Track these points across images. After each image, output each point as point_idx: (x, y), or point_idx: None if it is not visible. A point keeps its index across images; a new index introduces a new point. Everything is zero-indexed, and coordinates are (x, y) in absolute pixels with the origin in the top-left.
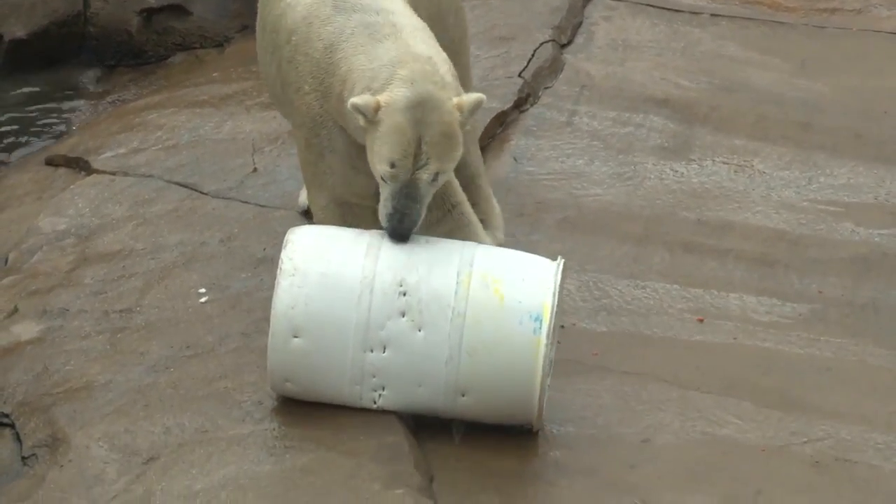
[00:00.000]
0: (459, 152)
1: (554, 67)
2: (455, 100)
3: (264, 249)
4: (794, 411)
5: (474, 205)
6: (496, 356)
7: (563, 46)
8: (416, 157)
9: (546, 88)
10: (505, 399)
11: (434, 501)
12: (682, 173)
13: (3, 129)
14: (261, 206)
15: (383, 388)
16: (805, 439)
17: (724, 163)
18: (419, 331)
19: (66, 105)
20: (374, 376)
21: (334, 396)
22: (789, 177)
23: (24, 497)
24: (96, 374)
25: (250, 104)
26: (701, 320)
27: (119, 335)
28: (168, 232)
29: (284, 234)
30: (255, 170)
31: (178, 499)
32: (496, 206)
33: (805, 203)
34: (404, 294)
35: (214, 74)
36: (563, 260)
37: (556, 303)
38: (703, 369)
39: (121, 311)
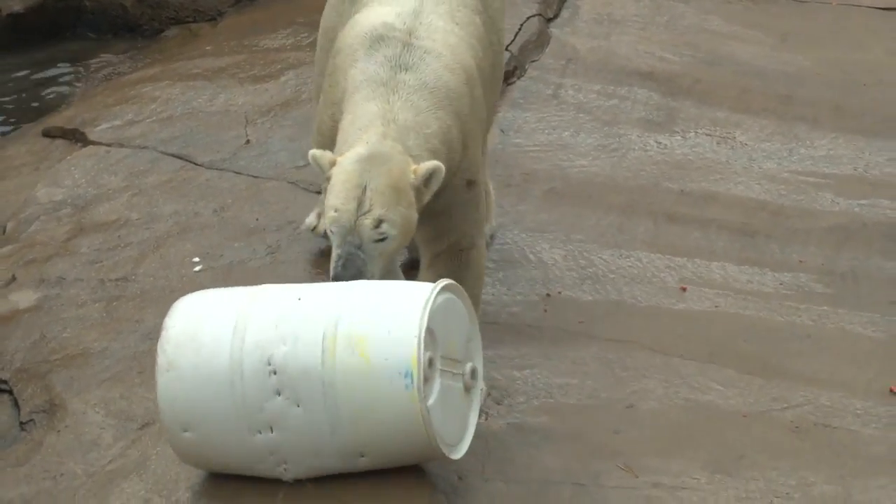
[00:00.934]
0: (407, 211)
1: (540, 41)
2: (413, 165)
3: (257, 219)
4: (775, 378)
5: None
6: (379, 418)
7: (549, 21)
8: (360, 203)
9: (532, 62)
10: (406, 451)
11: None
12: (666, 145)
13: (1, 101)
14: (253, 176)
15: (286, 463)
16: (785, 405)
17: (707, 135)
18: (297, 406)
19: (63, 78)
20: (271, 454)
21: (249, 472)
22: (770, 148)
23: (22, 461)
24: (92, 341)
25: (243, 77)
26: (684, 289)
27: (115, 303)
28: (163, 202)
29: (277, 204)
30: (247, 142)
31: (172, 463)
32: (492, 196)
33: (786, 174)
34: (274, 373)
35: (208, 48)
36: (440, 288)
37: (431, 341)
38: (687, 337)
39: (116, 279)
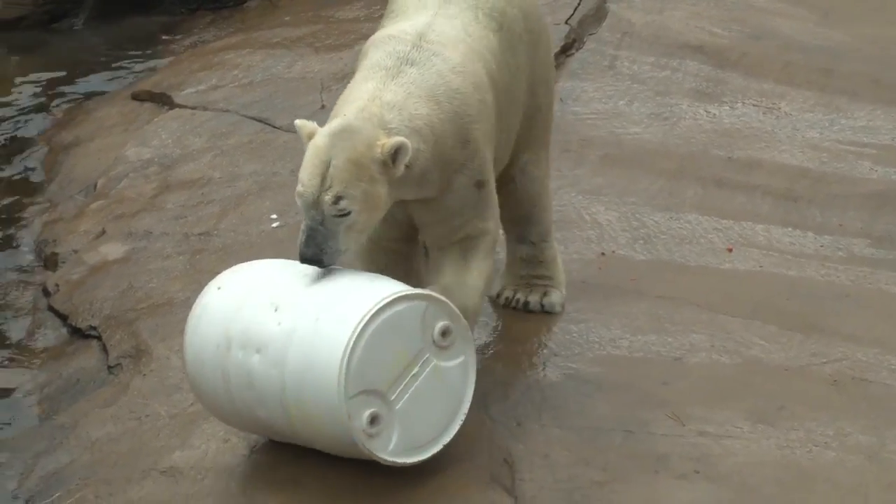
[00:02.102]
0: (369, 187)
1: (598, 15)
2: (382, 139)
3: None
4: (815, 334)
5: (541, 264)
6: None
7: None
8: (323, 179)
9: (590, 35)
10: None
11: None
12: (715, 114)
13: (95, 67)
14: None
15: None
16: (824, 360)
17: (754, 105)
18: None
19: (152, 46)
20: None
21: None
22: (813, 119)
23: (109, 402)
24: (176, 291)
25: (319, 46)
26: (730, 249)
27: (197, 256)
28: (243, 162)
29: None
30: (322, 106)
31: None
32: (560, 263)
33: (827, 143)
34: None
35: (286, 18)
36: (359, 333)
37: (366, 397)
38: (732, 295)
39: (199, 234)
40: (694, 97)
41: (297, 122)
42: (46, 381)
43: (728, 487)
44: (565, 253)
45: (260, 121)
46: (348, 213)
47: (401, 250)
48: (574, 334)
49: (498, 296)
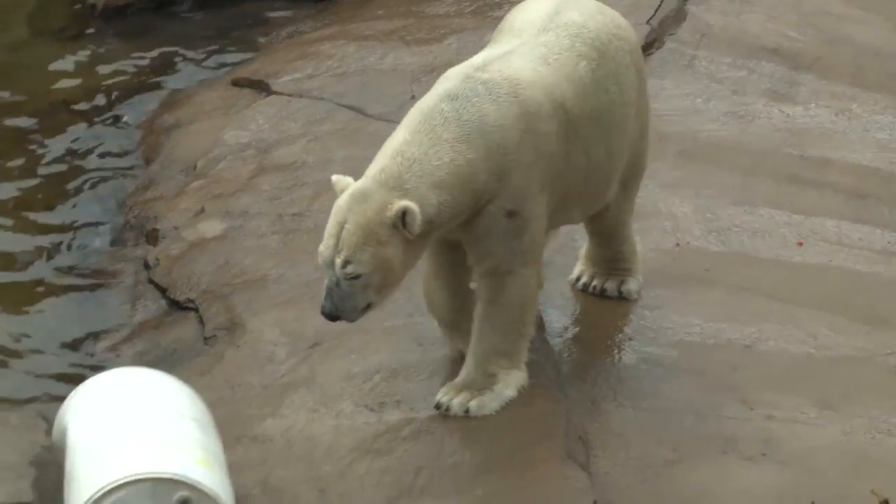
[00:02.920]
0: (378, 250)
1: (678, 17)
2: (393, 204)
3: None
4: (881, 326)
5: (618, 250)
6: None
7: None
8: (337, 241)
9: (670, 35)
10: None
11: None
12: (789, 114)
13: (197, 53)
14: None
15: None
16: (889, 351)
17: (826, 106)
18: None
19: (251, 35)
20: None
21: None
22: (883, 121)
23: (204, 372)
24: (270, 268)
25: (410, 39)
26: (801, 243)
27: (291, 235)
28: (336, 148)
29: None
30: (412, 97)
31: (337, 379)
32: (638, 253)
33: None
34: None
35: (379, 12)
36: None
37: None
38: (802, 287)
39: (293, 214)
40: (769, 97)
41: (333, 177)
42: (145, 350)
43: (793, 470)
44: (642, 243)
45: (352, 109)
46: (359, 276)
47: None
48: (649, 320)
49: (577, 280)
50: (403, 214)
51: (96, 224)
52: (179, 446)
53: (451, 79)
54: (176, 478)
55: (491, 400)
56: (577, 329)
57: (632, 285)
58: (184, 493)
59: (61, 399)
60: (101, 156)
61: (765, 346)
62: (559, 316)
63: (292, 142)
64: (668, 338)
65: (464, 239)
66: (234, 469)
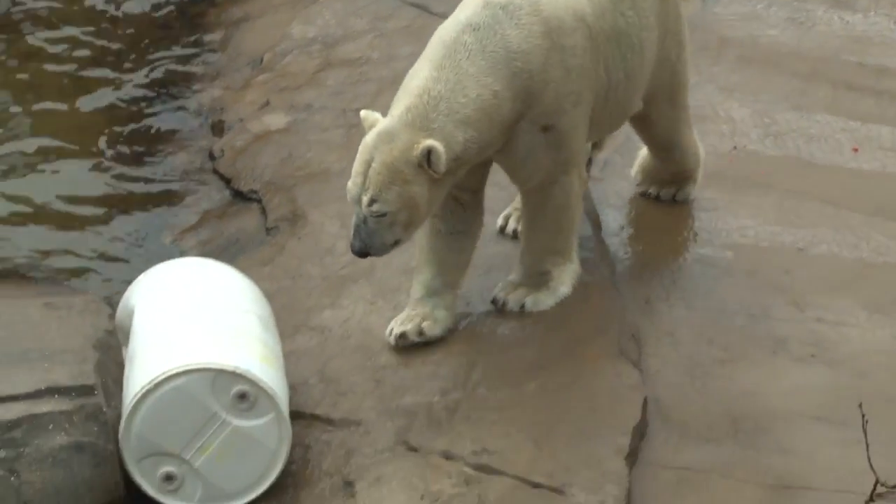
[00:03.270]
0: (404, 189)
1: None
2: (420, 143)
3: None
4: None
5: (677, 160)
6: None
7: None
8: (364, 179)
9: None
10: None
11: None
12: (849, 21)
13: None
14: None
15: None
16: None
17: (886, 15)
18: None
19: None
20: None
21: None
22: None
23: (266, 261)
24: (333, 162)
25: None
26: (856, 150)
27: (353, 130)
28: (400, 44)
29: None
30: None
31: (396, 272)
32: (696, 156)
33: None
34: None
35: None
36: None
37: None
38: (856, 192)
39: (356, 109)
40: (829, 4)
41: (362, 113)
42: (209, 239)
43: (842, 372)
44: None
45: (418, 7)
46: (384, 214)
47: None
48: (705, 222)
49: (638, 185)
50: (429, 154)
51: (163, 112)
52: (242, 341)
53: (470, 6)
54: (237, 371)
55: (546, 296)
56: (633, 229)
57: (688, 189)
58: (242, 386)
59: (125, 284)
60: (169, 48)
61: (817, 250)
62: (616, 216)
63: (358, 38)
64: (722, 239)
65: (504, 162)
66: (292, 358)
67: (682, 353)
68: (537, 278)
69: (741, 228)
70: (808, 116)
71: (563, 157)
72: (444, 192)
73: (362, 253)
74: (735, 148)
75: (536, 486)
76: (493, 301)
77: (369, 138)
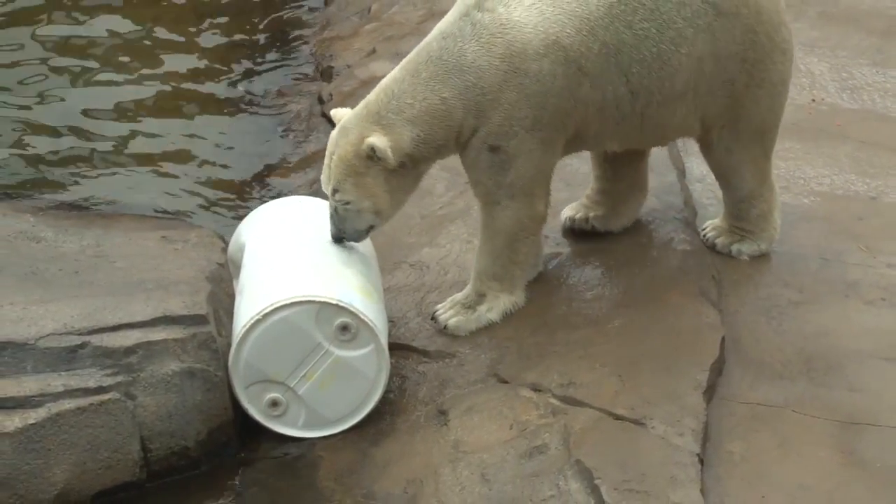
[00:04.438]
0: (359, 179)
1: None
2: (375, 136)
3: None
4: None
5: (743, 220)
6: None
7: None
8: (329, 171)
9: None
10: None
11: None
12: None
13: None
14: None
15: None
16: None
17: None
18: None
19: None
20: None
21: None
22: None
23: None
24: None
25: None
26: None
27: None
28: None
29: None
30: None
31: None
32: (770, 219)
33: None
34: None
35: None
36: (238, 344)
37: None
38: None
39: None
40: None
41: (333, 111)
42: (316, 179)
43: None
44: None
45: None
46: (348, 203)
47: None
48: (783, 170)
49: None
50: (373, 149)
51: (276, 59)
52: (345, 276)
53: (454, 11)
54: (340, 304)
55: (469, 322)
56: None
57: (744, 247)
58: (345, 318)
59: (237, 220)
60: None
61: (889, 199)
62: (699, 164)
63: None
64: (799, 187)
65: (463, 164)
66: (392, 292)
67: (759, 295)
68: (475, 298)
69: (817, 177)
70: (883, 72)
71: (508, 181)
72: (414, 181)
73: (337, 239)
74: (813, 100)
75: (619, 418)
76: (432, 317)
77: (334, 132)
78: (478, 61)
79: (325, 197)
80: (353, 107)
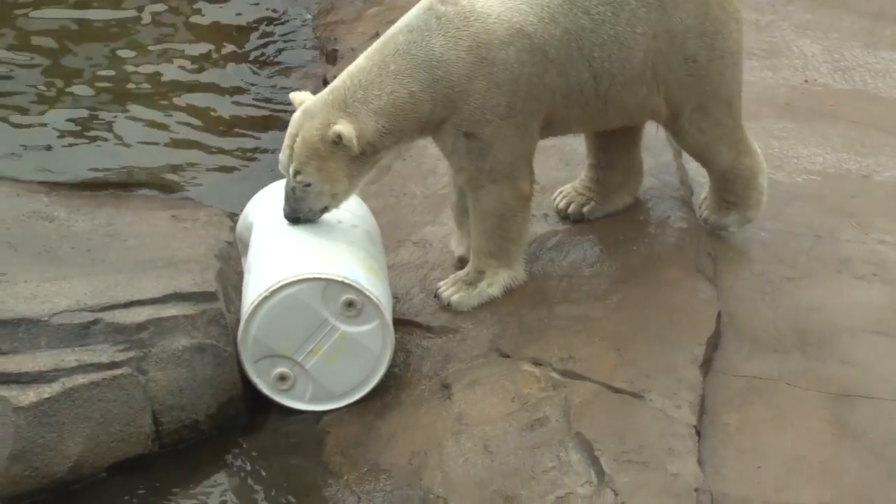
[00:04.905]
0: (321, 163)
1: None
2: (334, 125)
3: None
4: None
5: (726, 190)
6: None
7: None
8: (291, 152)
9: None
10: None
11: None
12: None
13: None
14: None
15: None
16: None
17: None
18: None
19: None
20: None
21: None
22: None
23: (373, 181)
24: None
25: None
26: None
27: None
28: None
29: None
30: None
31: None
32: (753, 185)
33: None
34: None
35: None
36: (246, 322)
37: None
38: None
39: None
40: None
41: (292, 94)
42: None
43: None
44: (773, 78)
45: None
46: (309, 185)
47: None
48: (776, 149)
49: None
50: (339, 136)
51: (281, 41)
52: (351, 254)
53: (417, 7)
54: (346, 281)
55: (471, 297)
56: None
57: (729, 219)
58: (350, 295)
59: (245, 200)
60: None
61: (880, 177)
62: None
63: None
64: (792, 166)
65: (442, 152)
66: (396, 269)
67: (753, 271)
68: (475, 275)
69: (810, 156)
70: (874, 53)
71: (488, 166)
72: (370, 168)
73: (293, 218)
74: (806, 81)
75: (617, 391)
76: (435, 294)
77: (295, 116)
78: (446, 55)
79: None
80: None
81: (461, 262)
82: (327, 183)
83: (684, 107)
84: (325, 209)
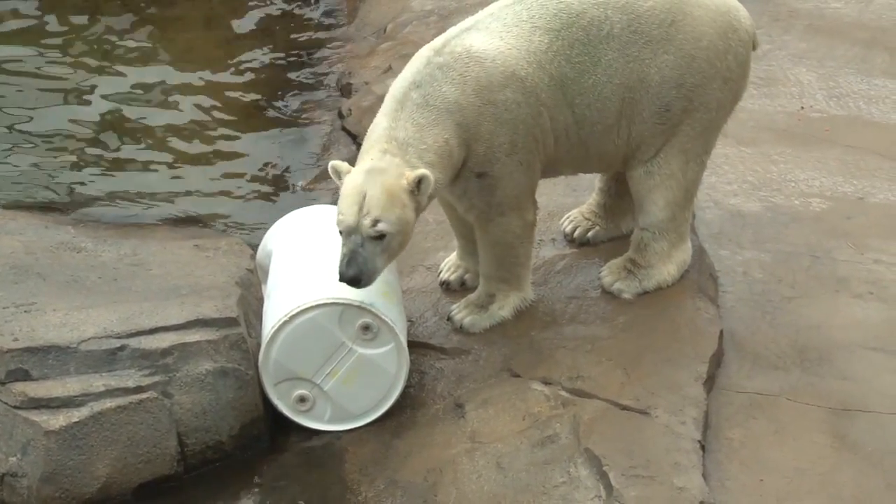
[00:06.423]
0: (402, 212)
1: None
2: (408, 172)
3: None
4: None
5: (641, 252)
6: None
7: None
8: (360, 208)
9: None
10: None
11: (698, 234)
12: None
13: None
14: None
15: None
16: None
17: None
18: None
19: None
20: None
21: None
22: None
23: None
24: None
25: None
26: None
27: None
28: None
29: None
30: None
31: None
32: (667, 263)
33: None
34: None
35: None
36: (267, 345)
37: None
38: None
39: None
40: None
41: (332, 163)
42: (338, 188)
43: None
44: (770, 105)
45: None
46: (384, 236)
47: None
48: (774, 173)
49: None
50: (419, 181)
51: (298, 76)
52: None
53: (414, 63)
54: (362, 305)
55: (483, 319)
56: (710, 178)
57: (626, 285)
58: (367, 319)
59: (264, 229)
60: (307, 19)
61: (875, 199)
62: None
63: (470, 10)
64: (791, 189)
65: (450, 197)
66: (410, 294)
67: (754, 291)
68: (485, 299)
69: (807, 179)
70: (868, 80)
71: (496, 201)
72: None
73: (356, 279)
74: (802, 108)
75: (625, 408)
76: (448, 318)
77: (356, 176)
78: (459, 100)
79: None
80: (369, 121)
81: (446, 286)
82: (401, 234)
83: (646, 149)
84: (377, 272)
